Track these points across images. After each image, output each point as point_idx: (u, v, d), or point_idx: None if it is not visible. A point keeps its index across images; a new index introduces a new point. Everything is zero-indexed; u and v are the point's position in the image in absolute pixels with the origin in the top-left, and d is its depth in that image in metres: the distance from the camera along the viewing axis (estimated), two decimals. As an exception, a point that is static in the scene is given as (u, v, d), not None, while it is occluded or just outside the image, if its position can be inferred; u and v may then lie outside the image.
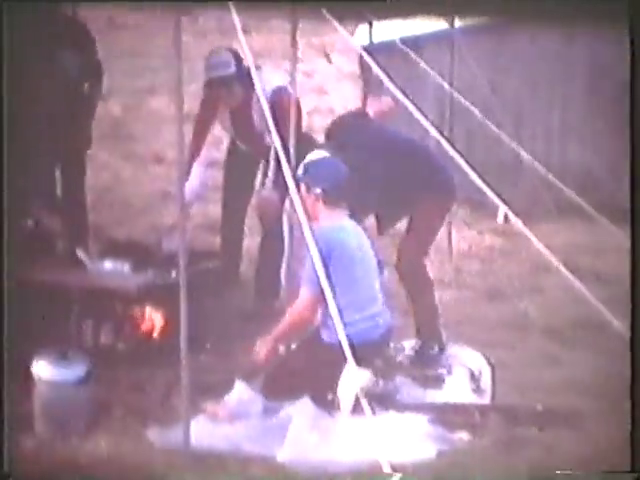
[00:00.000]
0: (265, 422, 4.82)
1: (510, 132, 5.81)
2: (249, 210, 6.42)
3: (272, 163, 5.91)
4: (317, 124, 9.77)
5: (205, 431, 4.68)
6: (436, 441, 4.71)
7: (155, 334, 5.57)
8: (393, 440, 4.40)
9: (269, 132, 6.09)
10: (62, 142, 6.37)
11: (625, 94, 4.32)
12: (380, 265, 5.13)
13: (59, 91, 6.09)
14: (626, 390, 4.13)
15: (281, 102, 5.58)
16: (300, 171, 5.01)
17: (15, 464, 4.38)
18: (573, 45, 8.14)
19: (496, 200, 4.16)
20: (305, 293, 4.84)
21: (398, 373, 5.19)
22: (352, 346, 4.19)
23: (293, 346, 5.06)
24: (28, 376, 4.87)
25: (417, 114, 4.29)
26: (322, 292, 4.52)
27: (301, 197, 4.97)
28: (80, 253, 5.79)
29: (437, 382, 5.25)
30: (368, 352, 4.39)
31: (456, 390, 5.18)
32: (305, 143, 5.57)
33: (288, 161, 4.40)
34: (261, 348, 4.91)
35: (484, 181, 4.18)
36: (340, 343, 4.19)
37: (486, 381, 5.23)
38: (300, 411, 4.79)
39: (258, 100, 6.03)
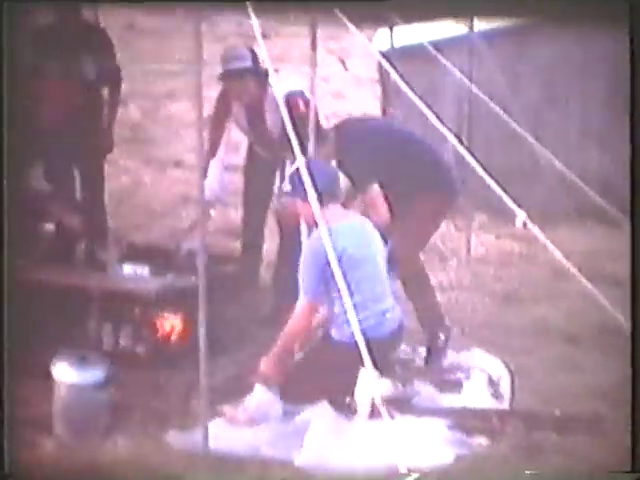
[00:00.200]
0: (284, 426, 4.82)
1: (529, 136, 5.80)
2: (269, 214, 6.43)
3: (289, 167, 5.93)
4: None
5: (224, 434, 4.69)
6: (454, 446, 4.71)
7: (174, 337, 5.58)
8: (411, 445, 4.40)
9: (284, 135, 6.14)
10: (82, 146, 6.40)
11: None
12: (390, 261, 5.12)
13: (78, 95, 6.13)
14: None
15: (297, 105, 5.60)
16: (287, 187, 5.03)
17: (29, 466, 4.39)
18: (591, 48, 8.12)
19: (513, 207, 4.16)
20: (301, 300, 4.87)
21: (416, 378, 5.19)
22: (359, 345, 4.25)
23: (306, 350, 5.07)
24: (48, 378, 4.90)
25: (435, 120, 4.29)
26: (318, 298, 4.84)
27: (298, 208, 5.02)
28: (102, 256, 5.82)
29: (455, 387, 5.24)
30: (379, 349, 4.38)
31: (474, 395, 5.17)
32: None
33: (308, 168, 4.38)
34: (267, 366, 4.90)
35: (501, 187, 4.19)
36: (351, 341, 4.32)
37: (505, 386, 5.22)
38: (319, 415, 4.79)
39: (273, 100, 6.07)
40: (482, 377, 5.27)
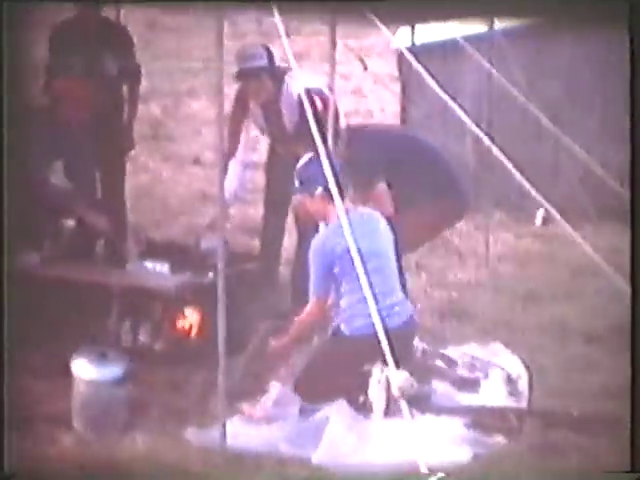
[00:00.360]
0: (301, 423, 4.83)
1: (549, 134, 5.79)
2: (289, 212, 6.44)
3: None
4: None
5: (241, 432, 4.70)
6: (472, 444, 4.70)
7: (193, 334, 5.60)
8: (429, 443, 4.40)
9: (301, 133, 6.15)
10: (103, 144, 6.43)
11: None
12: (398, 255, 5.13)
13: (99, 93, 6.15)
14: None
15: (315, 103, 5.60)
16: (296, 183, 5.05)
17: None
18: (611, 46, 8.08)
19: (538, 198, 4.14)
20: (311, 297, 4.96)
21: (434, 376, 5.18)
22: (369, 337, 4.27)
23: (316, 345, 5.09)
24: (67, 375, 4.92)
25: (460, 112, 4.28)
26: (326, 293, 4.93)
27: (307, 204, 5.04)
28: (122, 252, 5.85)
29: (473, 385, 5.23)
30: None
31: (492, 394, 5.16)
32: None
33: (330, 163, 4.37)
34: (275, 349, 5.02)
35: (522, 182, 4.17)
36: (361, 334, 4.57)
37: (523, 385, 5.21)
38: (336, 413, 4.80)
39: (289, 98, 6.08)
40: (500, 375, 5.26)
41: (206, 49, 10.44)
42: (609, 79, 8.23)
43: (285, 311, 6.13)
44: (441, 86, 4.47)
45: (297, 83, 5.97)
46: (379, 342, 4.01)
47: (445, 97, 4.36)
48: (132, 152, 6.95)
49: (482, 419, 4.88)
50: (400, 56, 7.83)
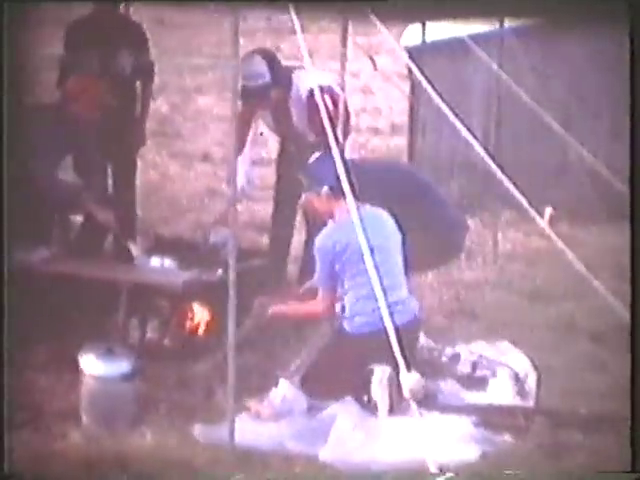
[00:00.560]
0: (308, 421, 4.84)
1: (559, 133, 5.78)
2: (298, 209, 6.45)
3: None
4: (364, 124, 9.80)
5: (249, 429, 4.70)
6: (480, 443, 4.70)
7: (200, 331, 5.60)
8: (436, 441, 4.40)
9: (310, 131, 6.15)
10: (115, 140, 6.43)
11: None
12: (405, 254, 5.12)
13: (113, 89, 6.15)
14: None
15: (324, 101, 5.60)
16: (304, 181, 5.07)
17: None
18: (619, 46, 8.06)
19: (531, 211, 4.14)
20: (319, 292, 5.01)
21: (441, 374, 5.18)
22: (371, 335, 4.27)
23: (321, 342, 5.09)
24: (75, 370, 4.93)
25: (461, 124, 4.28)
26: (333, 289, 4.95)
27: (314, 202, 5.05)
28: (132, 246, 5.85)
29: (481, 384, 5.23)
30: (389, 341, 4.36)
31: (500, 392, 5.16)
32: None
33: (342, 160, 4.36)
34: (273, 315, 5.13)
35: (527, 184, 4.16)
36: (363, 332, 4.66)
37: (530, 384, 5.21)
38: (344, 410, 4.80)
39: (298, 97, 6.08)
40: (508, 374, 5.26)
41: (215, 46, 10.46)
42: (617, 79, 8.21)
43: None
44: (437, 90, 4.46)
45: (306, 81, 5.97)
46: (382, 340, 4.00)
47: (444, 107, 4.36)
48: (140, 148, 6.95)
49: (490, 418, 4.88)
50: (410, 54, 7.82)
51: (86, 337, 5.16)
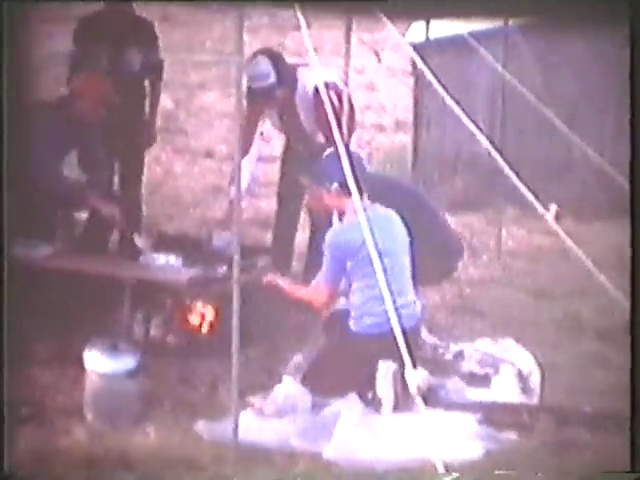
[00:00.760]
0: (312, 418, 4.83)
1: (563, 131, 5.77)
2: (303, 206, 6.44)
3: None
4: (369, 121, 9.79)
5: (253, 426, 4.70)
6: (484, 440, 4.70)
7: (205, 328, 5.60)
8: (441, 438, 4.39)
9: (317, 128, 6.14)
10: (124, 138, 6.43)
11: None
12: (413, 256, 5.11)
13: (122, 87, 6.15)
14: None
15: (330, 97, 5.59)
16: (313, 177, 5.07)
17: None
18: (624, 46, 8.05)
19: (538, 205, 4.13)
20: (322, 286, 5.00)
21: (445, 372, 5.18)
22: (378, 336, 4.28)
23: (325, 340, 5.10)
24: (79, 367, 4.93)
25: (466, 118, 4.27)
26: (336, 284, 4.96)
27: (324, 198, 5.04)
28: (138, 241, 5.85)
29: (484, 381, 5.23)
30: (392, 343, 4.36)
31: (504, 390, 5.15)
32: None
33: (349, 157, 4.35)
34: (270, 282, 5.17)
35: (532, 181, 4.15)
36: (370, 332, 4.65)
37: (534, 381, 5.20)
38: (348, 407, 4.80)
39: (304, 94, 6.07)
40: (512, 371, 5.26)
41: (219, 42, 10.46)
42: (621, 76, 8.19)
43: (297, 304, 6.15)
44: (444, 85, 4.45)
45: (311, 78, 5.97)
46: (389, 342, 4.00)
47: (450, 102, 4.35)
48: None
49: (494, 415, 4.88)
50: (414, 50, 7.81)
51: (90, 333, 5.17)
